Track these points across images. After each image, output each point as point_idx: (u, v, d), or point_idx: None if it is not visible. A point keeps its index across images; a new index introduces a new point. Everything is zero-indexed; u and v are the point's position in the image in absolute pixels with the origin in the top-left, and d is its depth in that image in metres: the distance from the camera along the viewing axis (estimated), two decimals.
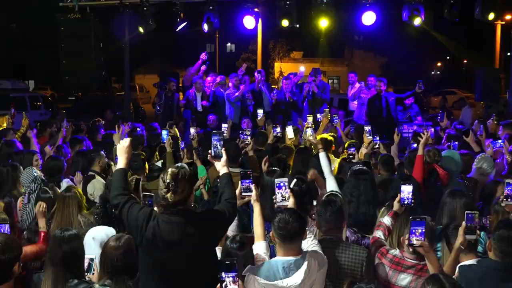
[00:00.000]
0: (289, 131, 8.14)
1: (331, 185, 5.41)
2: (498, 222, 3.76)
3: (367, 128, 7.63)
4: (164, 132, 7.94)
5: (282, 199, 4.10)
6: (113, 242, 3.76)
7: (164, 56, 38.90)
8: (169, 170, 3.54)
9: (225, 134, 7.93)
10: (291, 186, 5.36)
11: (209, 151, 4.08)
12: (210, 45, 43.08)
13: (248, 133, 7.58)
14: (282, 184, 4.11)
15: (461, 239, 3.91)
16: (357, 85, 13.13)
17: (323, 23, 11.84)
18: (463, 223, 3.93)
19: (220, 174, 4.04)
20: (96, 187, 6.51)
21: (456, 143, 7.71)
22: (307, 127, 8.38)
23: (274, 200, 4.11)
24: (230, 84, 12.60)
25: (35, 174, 5.98)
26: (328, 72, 47.57)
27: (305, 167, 6.57)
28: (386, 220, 4.52)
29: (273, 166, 6.46)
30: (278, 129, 7.84)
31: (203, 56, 13.11)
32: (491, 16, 10.74)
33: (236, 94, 12.21)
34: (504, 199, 4.34)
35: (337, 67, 47.33)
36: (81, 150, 7.74)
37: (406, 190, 4.49)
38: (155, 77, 44.41)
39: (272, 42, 41.11)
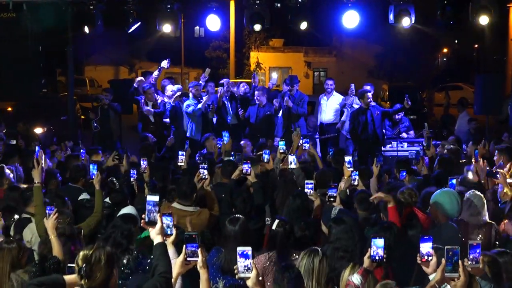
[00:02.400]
0: (266, 157, 8.34)
1: None
2: None
3: (347, 158, 7.88)
4: (92, 167, 7.73)
5: (245, 270, 4.18)
6: None
7: (120, 44, 38.61)
8: (81, 253, 3.74)
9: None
10: (273, 227, 5.64)
11: (143, 215, 4.33)
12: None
13: (205, 165, 7.50)
14: (245, 252, 4.21)
15: (438, 276, 4.14)
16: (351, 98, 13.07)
17: (303, 26, 12.13)
18: (443, 260, 4.19)
19: (154, 243, 4.22)
20: (35, 233, 6.53)
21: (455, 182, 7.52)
22: (281, 153, 8.68)
23: (236, 270, 4.25)
24: (190, 95, 12.70)
25: None
26: (314, 63, 47.78)
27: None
28: (356, 278, 4.71)
29: (238, 208, 6.74)
30: (247, 166, 7.50)
31: (164, 64, 13.30)
32: (485, 19, 11.10)
33: (199, 106, 12.31)
34: (469, 262, 4.63)
35: (324, 57, 47.61)
36: (13, 185, 7.73)
37: (377, 245, 4.71)
38: (110, 68, 44.46)
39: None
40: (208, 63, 43.63)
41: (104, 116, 13.34)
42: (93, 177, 7.33)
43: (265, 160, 8.28)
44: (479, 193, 6.90)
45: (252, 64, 43.34)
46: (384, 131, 12.67)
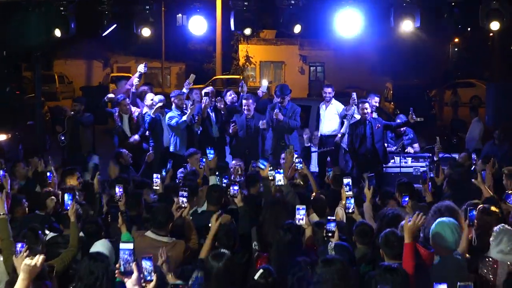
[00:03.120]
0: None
1: None
2: None
3: (346, 180, 7.95)
4: (67, 197, 7.54)
5: None
6: None
7: (93, 35, 38.33)
8: None
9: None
10: (256, 277, 5.67)
11: (117, 265, 4.44)
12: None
13: (185, 193, 7.49)
14: None
15: None
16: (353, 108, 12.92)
17: (296, 29, 12.25)
18: None
19: None
20: (1, 268, 6.55)
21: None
22: (270, 171, 8.75)
23: None
24: (173, 105, 12.68)
25: None
26: (310, 57, 47.68)
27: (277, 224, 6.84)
28: None
29: (220, 242, 6.84)
30: (235, 188, 7.77)
31: (141, 68, 13.31)
32: (496, 25, 11.22)
33: (184, 118, 12.31)
34: None
35: (321, 51, 47.30)
36: None
37: None
38: (81, 63, 44.30)
39: None
40: (192, 56, 43.76)
41: (72, 129, 13.31)
42: (68, 208, 7.25)
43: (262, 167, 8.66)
44: (510, 227, 6.64)
45: (241, 58, 43.33)
46: (386, 144, 12.75)
